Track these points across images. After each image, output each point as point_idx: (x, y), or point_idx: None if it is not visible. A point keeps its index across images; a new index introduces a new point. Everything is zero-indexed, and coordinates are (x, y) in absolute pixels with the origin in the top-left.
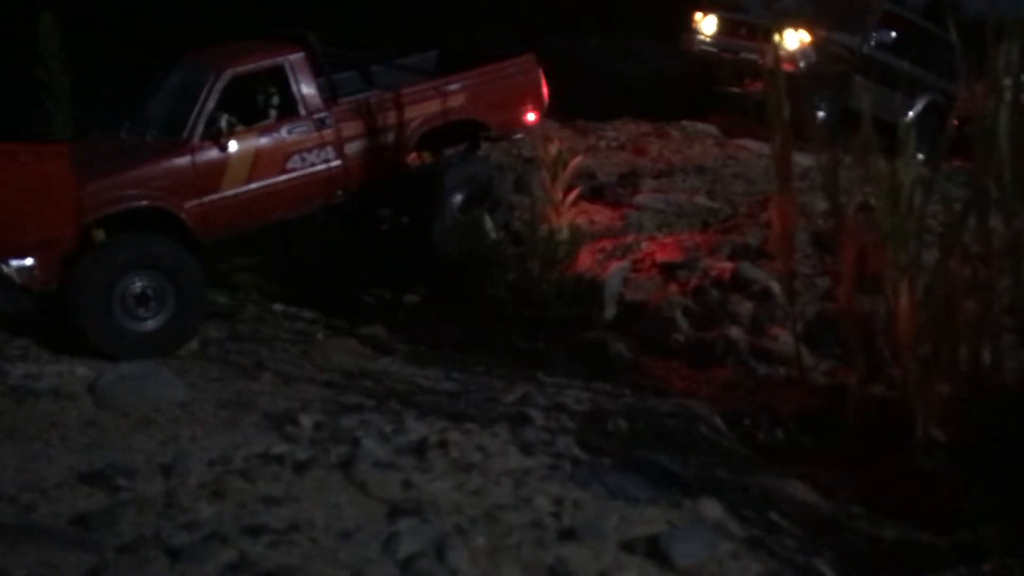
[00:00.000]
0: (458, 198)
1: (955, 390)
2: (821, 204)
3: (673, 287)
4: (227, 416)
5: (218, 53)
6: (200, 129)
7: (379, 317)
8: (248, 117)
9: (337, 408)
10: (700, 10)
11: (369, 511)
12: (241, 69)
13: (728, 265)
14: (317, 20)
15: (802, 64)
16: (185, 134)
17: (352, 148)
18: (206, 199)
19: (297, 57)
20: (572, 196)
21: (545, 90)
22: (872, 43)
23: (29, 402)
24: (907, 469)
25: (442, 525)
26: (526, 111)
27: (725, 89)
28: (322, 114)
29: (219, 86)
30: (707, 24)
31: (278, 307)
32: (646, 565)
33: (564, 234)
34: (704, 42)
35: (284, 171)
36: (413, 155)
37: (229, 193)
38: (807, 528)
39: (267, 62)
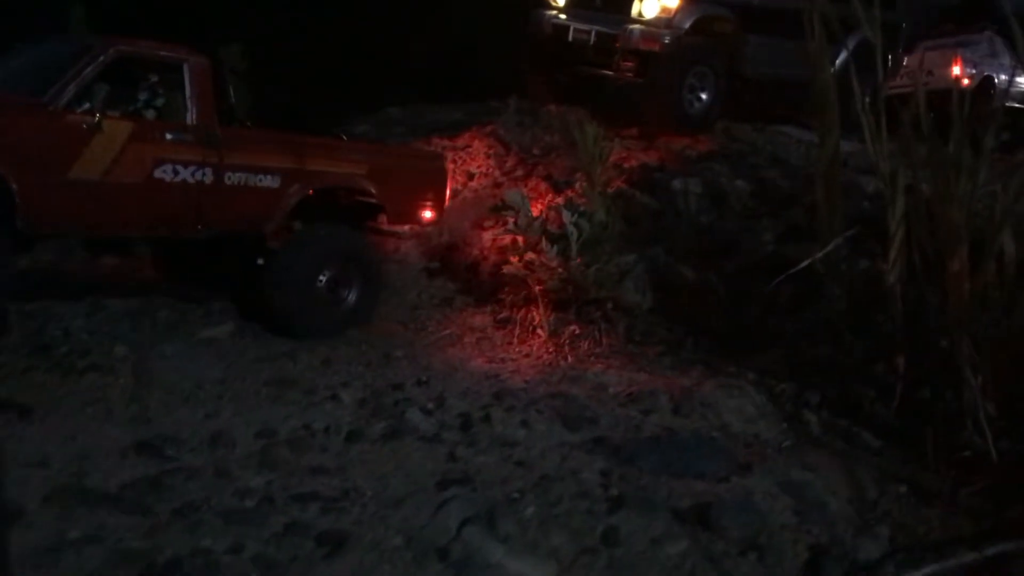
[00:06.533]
0: (324, 275)
1: (1006, 364)
2: (867, 186)
3: (712, 270)
4: (268, 393)
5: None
6: (67, 97)
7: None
8: (128, 106)
9: (378, 386)
10: None
11: (417, 481)
12: (130, 50)
13: (770, 248)
14: None
15: (667, 40)
16: (46, 98)
17: (232, 179)
18: (49, 177)
19: (200, 61)
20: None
21: (448, 194)
22: None
23: (72, 378)
24: (956, 445)
25: (491, 495)
26: (425, 207)
27: (595, 72)
28: (211, 131)
29: (102, 59)
30: None
31: None
32: (697, 534)
33: (602, 216)
34: (555, 18)
35: (149, 177)
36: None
37: (80, 179)
38: (855, 505)
39: (164, 54)
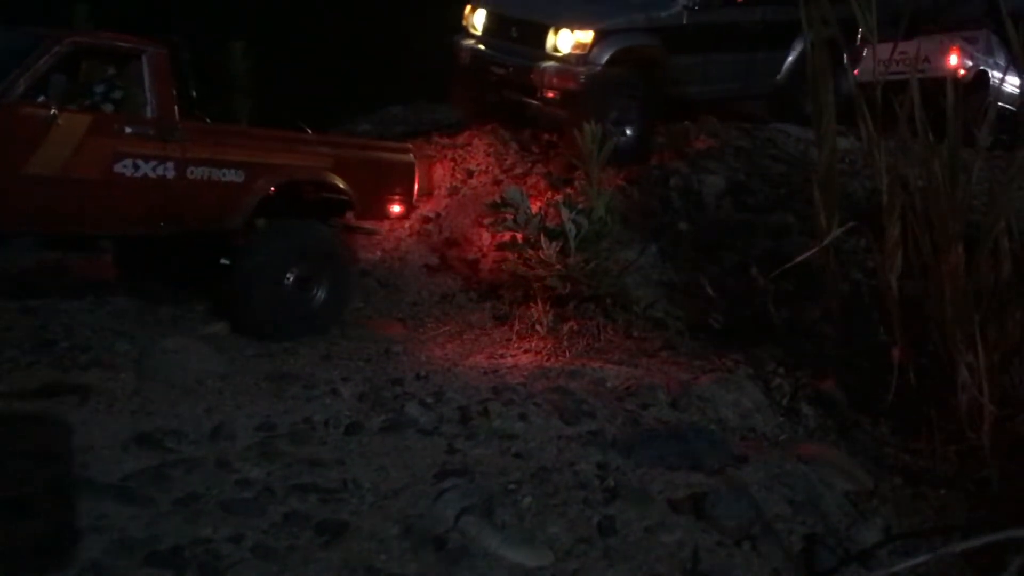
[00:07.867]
0: (291, 273)
1: (998, 357)
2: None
3: (712, 265)
4: (268, 387)
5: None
6: (20, 89)
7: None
8: (85, 99)
9: (377, 380)
10: (471, 2)
11: (416, 472)
12: (85, 41)
13: (768, 244)
14: None
15: (582, 78)
16: None
17: (195, 174)
18: (3, 173)
19: (158, 52)
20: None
21: (417, 185)
22: (695, 6)
23: (74, 373)
24: (953, 438)
25: (489, 486)
26: (394, 201)
27: (521, 98)
28: (171, 124)
29: (57, 50)
30: (478, 20)
31: None
32: (692, 524)
33: (601, 213)
34: (475, 47)
35: (109, 173)
36: (257, 217)
37: (36, 174)
38: (850, 496)
39: (121, 44)
